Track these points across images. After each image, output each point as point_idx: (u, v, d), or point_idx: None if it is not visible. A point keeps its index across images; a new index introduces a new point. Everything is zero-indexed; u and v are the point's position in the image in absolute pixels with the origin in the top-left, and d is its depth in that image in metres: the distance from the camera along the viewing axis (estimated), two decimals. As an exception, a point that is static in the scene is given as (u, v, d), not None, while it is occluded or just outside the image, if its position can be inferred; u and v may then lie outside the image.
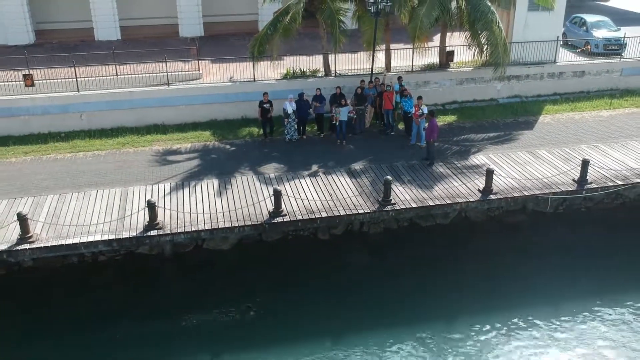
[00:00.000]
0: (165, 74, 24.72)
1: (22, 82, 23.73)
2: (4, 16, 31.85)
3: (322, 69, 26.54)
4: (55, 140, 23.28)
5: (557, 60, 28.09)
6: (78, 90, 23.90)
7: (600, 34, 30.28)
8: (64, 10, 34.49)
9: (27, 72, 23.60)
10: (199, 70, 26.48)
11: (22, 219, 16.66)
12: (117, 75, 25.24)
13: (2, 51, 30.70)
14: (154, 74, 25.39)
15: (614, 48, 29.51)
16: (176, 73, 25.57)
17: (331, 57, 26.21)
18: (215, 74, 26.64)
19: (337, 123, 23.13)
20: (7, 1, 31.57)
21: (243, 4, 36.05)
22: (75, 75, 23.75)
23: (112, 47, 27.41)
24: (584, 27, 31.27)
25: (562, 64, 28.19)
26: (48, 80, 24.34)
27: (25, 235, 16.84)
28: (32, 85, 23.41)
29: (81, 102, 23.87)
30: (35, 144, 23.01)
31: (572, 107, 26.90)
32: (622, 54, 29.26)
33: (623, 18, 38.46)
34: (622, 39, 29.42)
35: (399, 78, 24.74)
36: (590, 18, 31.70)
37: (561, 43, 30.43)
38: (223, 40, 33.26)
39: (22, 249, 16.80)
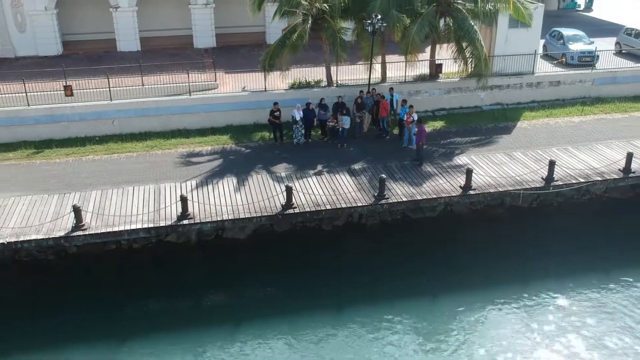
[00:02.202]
0: (187, 84, 27.89)
1: (62, 92, 26.89)
2: (35, 29, 34.95)
3: (325, 79, 29.70)
4: (92, 143, 26.41)
5: (535, 71, 31.27)
6: (111, 99, 27.07)
7: (575, 47, 33.51)
8: (89, 22, 37.62)
9: (67, 84, 26.74)
10: (215, 81, 29.67)
11: (77, 210, 19.88)
12: (142, 85, 28.43)
13: (34, 62, 33.87)
14: (176, 84, 28.63)
15: (588, 60, 32.70)
16: (195, 83, 28.71)
17: (333, 69, 29.30)
18: (230, 84, 29.82)
19: (341, 129, 26.28)
20: (39, 17, 34.69)
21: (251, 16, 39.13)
22: (109, 85, 26.90)
23: (134, 59, 30.53)
24: (562, 41, 34.49)
25: (539, 74, 31.36)
26: (84, 90, 27.55)
27: (79, 223, 20.05)
28: (72, 95, 26.58)
29: (113, 109, 27.03)
30: (75, 146, 26.15)
31: (547, 113, 30.05)
32: (595, 65, 32.47)
33: (600, 29, 41.64)
34: (595, 51, 32.67)
35: (390, 89, 27.94)
36: (567, 32, 34.94)
37: (542, 54, 33.78)
38: (234, 51, 36.37)
39: (76, 235, 20.02)
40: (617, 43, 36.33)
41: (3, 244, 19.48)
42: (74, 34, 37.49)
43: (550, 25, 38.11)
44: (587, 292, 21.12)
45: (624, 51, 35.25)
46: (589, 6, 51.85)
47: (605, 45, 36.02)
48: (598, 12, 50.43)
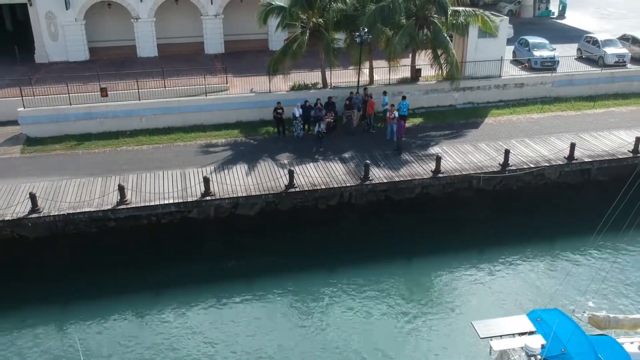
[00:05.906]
0: (204, 86, 32.76)
1: (97, 93, 31.69)
2: (67, 38, 39.66)
3: (320, 82, 34.49)
4: (124, 136, 31.13)
5: (502, 74, 36.10)
6: (139, 99, 31.85)
7: (539, 53, 38.36)
8: (112, 31, 42.32)
9: (102, 86, 31.54)
10: (226, 84, 34.48)
11: (121, 188, 24.71)
12: (165, 87, 33.22)
13: (66, 67, 38.55)
14: (192, 87, 33.46)
15: (549, 64, 37.58)
16: (209, 85, 33.48)
17: (327, 73, 34.00)
18: (239, 86, 34.58)
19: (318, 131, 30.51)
20: (70, 27, 39.43)
21: (256, 25, 43.57)
22: (137, 87, 31.69)
23: (153, 64, 35.01)
24: (527, 47, 39.33)
25: (505, 77, 36.20)
26: (113, 92, 32.32)
27: (123, 199, 24.85)
28: (107, 96, 31.38)
29: (141, 108, 31.79)
30: (109, 139, 30.87)
31: (511, 111, 34.81)
32: (556, 69, 37.33)
33: (569, 35, 46.40)
34: (555, 57, 37.57)
35: (384, 92, 32.68)
36: (532, 40, 39.76)
37: (511, 60, 38.67)
38: (240, 56, 40.96)
39: (121, 209, 24.82)
40: (579, 49, 41.17)
41: (63, 214, 24.28)
42: (99, 42, 42.11)
43: (526, 31, 43.02)
44: (536, 255, 25.94)
45: (583, 56, 40.06)
46: (562, 14, 56.59)
47: (571, 50, 40.90)
48: (570, 19, 55.10)
